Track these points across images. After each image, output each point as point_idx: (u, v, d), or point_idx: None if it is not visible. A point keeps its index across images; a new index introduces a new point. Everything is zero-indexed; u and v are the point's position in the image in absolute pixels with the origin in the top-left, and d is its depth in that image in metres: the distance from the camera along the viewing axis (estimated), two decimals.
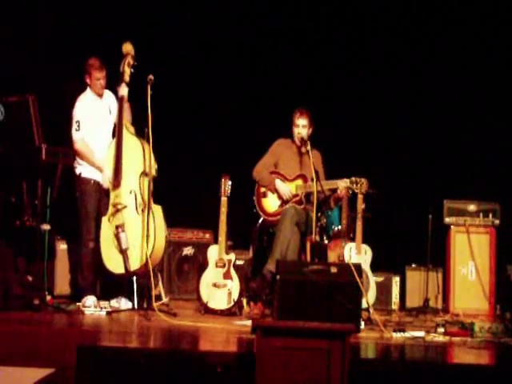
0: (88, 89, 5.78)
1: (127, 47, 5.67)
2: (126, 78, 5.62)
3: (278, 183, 5.90)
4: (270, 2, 7.36)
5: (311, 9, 7.32)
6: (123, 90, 5.63)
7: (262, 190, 5.98)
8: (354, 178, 5.64)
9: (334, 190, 5.77)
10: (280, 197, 5.90)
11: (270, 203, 5.93)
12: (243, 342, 4.36)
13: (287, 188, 5.88)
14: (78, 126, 5.65)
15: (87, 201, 5.64)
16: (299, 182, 5.91)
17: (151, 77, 5.41)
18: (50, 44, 6.95)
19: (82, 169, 5.70)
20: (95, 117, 5.73)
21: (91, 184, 5.67)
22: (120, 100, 5.65)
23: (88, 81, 5.73)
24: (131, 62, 5.64)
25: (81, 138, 5.65)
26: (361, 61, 7.35)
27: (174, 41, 6.88)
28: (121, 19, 7.04)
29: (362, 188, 5.61)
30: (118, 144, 5.59)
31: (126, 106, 5.67)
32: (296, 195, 5.86)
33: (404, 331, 4.85)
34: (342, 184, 5.68)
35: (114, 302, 5.59)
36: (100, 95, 5.78)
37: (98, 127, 5.75)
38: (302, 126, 5.91)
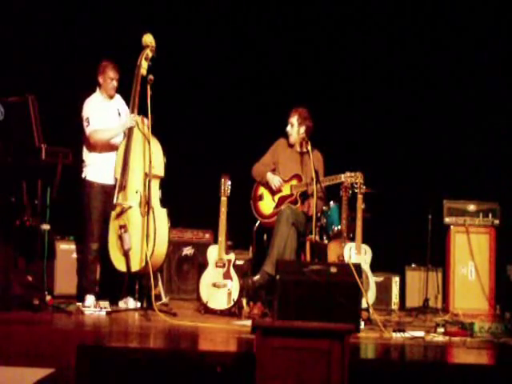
0: (97, 90, 5.78)
1: (147, 39, 5.52)
2: (143, 71, 5.48)
3: (269, 175, 5.90)
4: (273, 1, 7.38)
5: (310, 9, 7.32)
6: (131, 121, 5.52)
7: (259, 192, 5.97)
8: (348, 173, 5.64)
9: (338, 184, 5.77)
10: (272, 191, 5.89)
11: (266, 206, 5.93)
12: (243, 342, 4.36)
13: (276, 178, 5.88)
14: (88, 121, 5.65)
15: (91, 203, 5.64)
16: (294, 182, 5.90)
17: (151, 77, 5.41)
18: (50, 44, 6.95)
19: (87, 171, 5.70)
20: (104, 117, 5.71)
21: (95, 186, 5.67)
22: (129, 131, 5.55)
23: (101, 80, 5.72)
24: (149, 55, 5.50)
25: (93, 130, 5.63)
26: (360, 60, 7.35)
27: (173, 40, 6.87)
28: (120, 18, 7.04)
29: (358, 181, 5.61)
30: (127, 146, 5.56)
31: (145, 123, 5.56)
32: (291, 195, 5.86)
33: (404, 331, 4.86)
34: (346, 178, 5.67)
35: (121, 303, 5.63)
36: (111, 96, 5.77)
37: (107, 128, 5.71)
38: (290, 125, 5.93)
